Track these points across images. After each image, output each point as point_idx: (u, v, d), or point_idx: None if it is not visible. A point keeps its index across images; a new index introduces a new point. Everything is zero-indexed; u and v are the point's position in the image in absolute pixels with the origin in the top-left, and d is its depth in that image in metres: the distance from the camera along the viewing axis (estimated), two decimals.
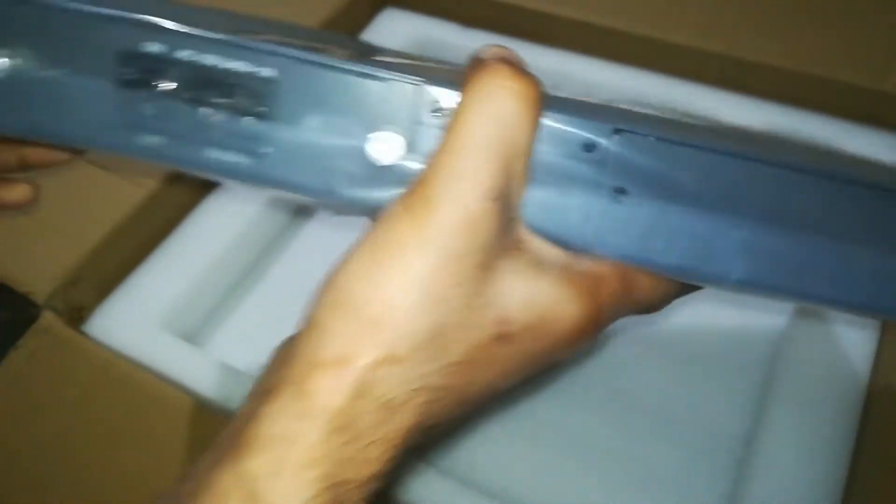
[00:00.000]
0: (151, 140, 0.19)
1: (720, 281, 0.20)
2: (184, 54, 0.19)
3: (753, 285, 0.20)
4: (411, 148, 0.19)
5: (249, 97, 0.19)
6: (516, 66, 0.18)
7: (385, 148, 0.19)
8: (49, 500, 0.35)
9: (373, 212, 0.20)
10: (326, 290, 0.18)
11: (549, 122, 0.19)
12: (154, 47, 0.19)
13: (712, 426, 0.39)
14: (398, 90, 0.19)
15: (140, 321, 0.41)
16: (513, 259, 0.19)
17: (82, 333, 0.41)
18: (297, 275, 0.47)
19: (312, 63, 0.19)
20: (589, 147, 0.19)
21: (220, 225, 0.46)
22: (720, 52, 0.49)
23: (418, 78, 0.19)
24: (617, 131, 0.19)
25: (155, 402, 0.37)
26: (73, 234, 0.42)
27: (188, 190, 0.47)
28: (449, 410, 0.19)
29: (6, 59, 0.19)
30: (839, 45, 0.49)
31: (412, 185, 0.18)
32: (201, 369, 0.39)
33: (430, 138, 0.19)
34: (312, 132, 0.19)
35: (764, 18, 0.51)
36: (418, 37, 0.57)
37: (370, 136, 0.19)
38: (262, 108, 0.19)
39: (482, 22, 0.56)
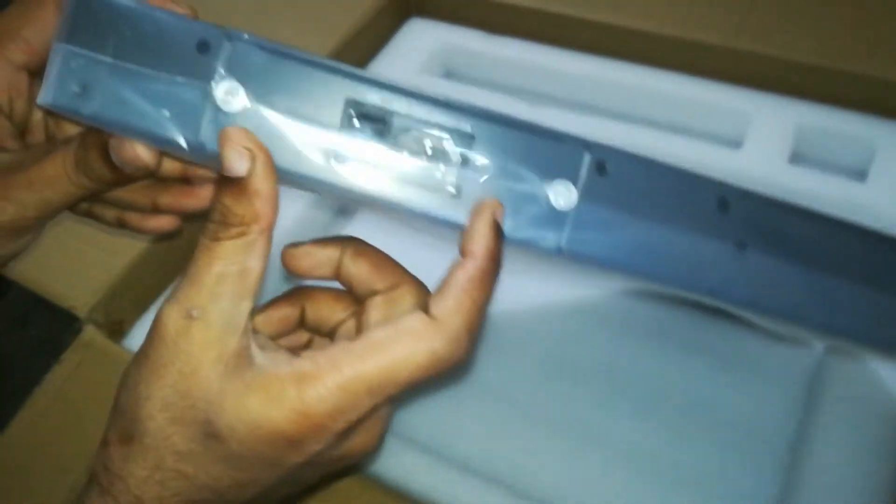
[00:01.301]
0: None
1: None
2: (398, 107, 0.22)
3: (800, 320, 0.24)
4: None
5: (450, 146, 0.22)
6: None
7: (563, 195, 0.22)
8: None
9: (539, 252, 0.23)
10: None
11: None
12: (375, 98, 0.22)
13: (758, 429, 0.39)
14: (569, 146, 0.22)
15: None
16: None
17: (122, 347, 0.41)
18: None
19: (501, 123, 0.22)
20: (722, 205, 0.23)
21: None
22: (751, 51, 0.49)
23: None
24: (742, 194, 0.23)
25: None
26: (111, 250, 0.43)
27: None
28: None
29: (245, 101, 0.21)
30: (873, 40, 0.48)
31: None
32: None
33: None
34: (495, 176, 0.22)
35: (795, 15, 0.51)
36: (443, 45, 0.57)
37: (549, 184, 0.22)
38: (460, 156, 0.22)
39: (506, 28, 0.56)
